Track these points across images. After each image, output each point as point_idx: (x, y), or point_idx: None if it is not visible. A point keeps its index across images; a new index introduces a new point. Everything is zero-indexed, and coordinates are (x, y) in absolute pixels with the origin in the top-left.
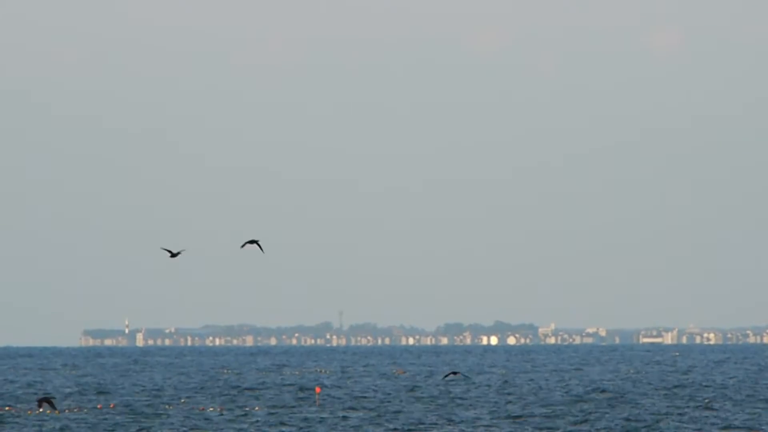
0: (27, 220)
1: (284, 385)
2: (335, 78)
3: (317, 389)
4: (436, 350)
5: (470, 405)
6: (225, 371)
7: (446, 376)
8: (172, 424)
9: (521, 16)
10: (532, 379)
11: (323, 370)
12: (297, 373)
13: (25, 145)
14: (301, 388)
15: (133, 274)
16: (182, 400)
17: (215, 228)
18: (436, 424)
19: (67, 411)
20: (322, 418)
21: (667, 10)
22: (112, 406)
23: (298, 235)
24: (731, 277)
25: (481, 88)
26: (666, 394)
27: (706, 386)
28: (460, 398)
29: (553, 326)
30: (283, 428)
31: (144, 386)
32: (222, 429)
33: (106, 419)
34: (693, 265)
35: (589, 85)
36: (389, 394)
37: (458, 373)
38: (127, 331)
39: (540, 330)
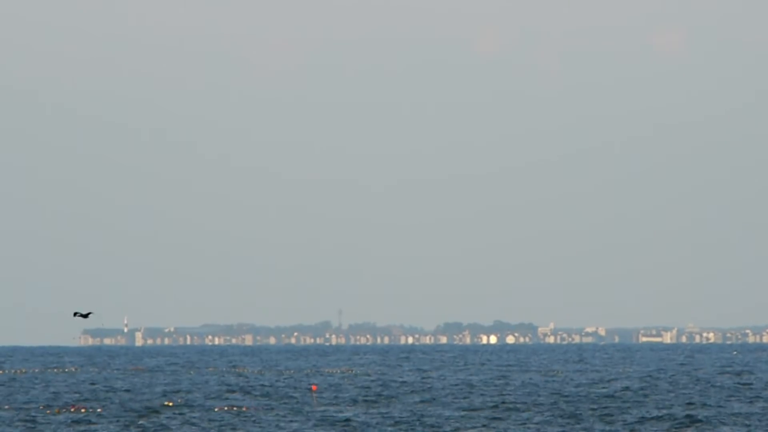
0: (27, 220)
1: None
2: (336, 78)
3: (313, 387)
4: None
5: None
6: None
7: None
8: None
9: (522, 16)
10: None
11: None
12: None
13: (25, 145)
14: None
15: (133, 274)
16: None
17: (215, 228)
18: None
19: None
20: None
21: (668, 10)
22: None
23: (297, 235)
24: (731, 277)
25: (482, 88)
26: None
27: None
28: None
29: (552, 326)
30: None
31: None
32: None
33: None
34: (693, 265)
35: (591, 84)
36: None
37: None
38: (126, 330)
39: (539, 329)
